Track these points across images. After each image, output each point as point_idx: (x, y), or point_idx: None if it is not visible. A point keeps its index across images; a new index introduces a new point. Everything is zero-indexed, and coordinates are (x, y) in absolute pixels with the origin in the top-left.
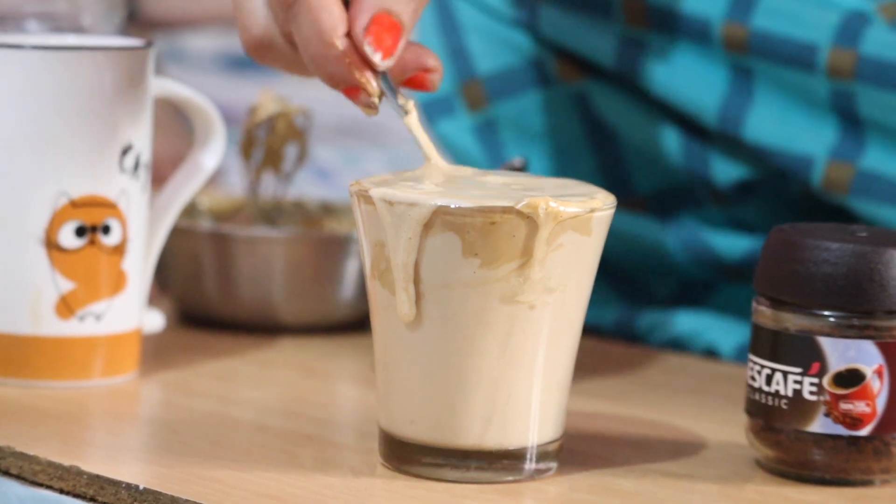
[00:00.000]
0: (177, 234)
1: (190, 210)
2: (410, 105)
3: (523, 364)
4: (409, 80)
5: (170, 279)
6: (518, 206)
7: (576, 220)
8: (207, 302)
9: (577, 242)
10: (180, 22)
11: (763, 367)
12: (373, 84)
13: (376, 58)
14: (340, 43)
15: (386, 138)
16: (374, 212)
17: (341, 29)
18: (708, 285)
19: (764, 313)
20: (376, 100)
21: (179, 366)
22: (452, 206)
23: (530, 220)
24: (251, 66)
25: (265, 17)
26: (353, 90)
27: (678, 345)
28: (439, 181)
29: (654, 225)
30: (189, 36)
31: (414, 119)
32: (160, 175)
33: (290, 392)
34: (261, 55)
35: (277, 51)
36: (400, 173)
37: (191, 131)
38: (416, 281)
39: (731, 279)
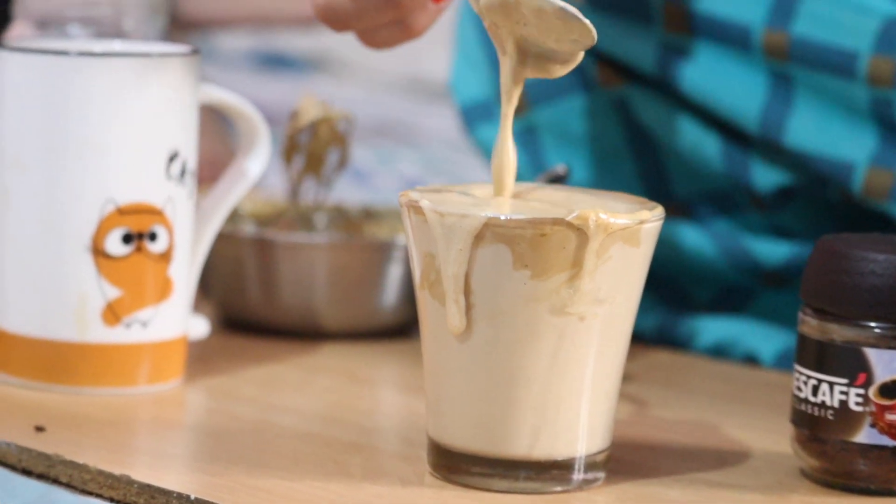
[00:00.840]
0: (220, 239)
1: (232, 215)
2: None
3: (572, 375)
4: None
5: (212, 284)
6: (568, 218)
7: (625, 231)
8: (250, 307)
9: (626, 254)
10: (217, 22)
11: (809, 377)
12: None
13: None
14: None
15: (420, 138)
16: (425, 223)
17: None
18: (748, 291)
19: (810, 324)
20: None
21: (223, 372)
22: (503, 217)
23: (580, 232)
24: (284, 64)
25: None
26: None
27: (719, 351)
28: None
29: (695, 230)
30: (222, 34)
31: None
32: (199, 177)
33: (334, 399)
34: (330, 19)
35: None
36: (449, 186)
37: (227, 132)
38: (467, 292)
39: (771, 285)
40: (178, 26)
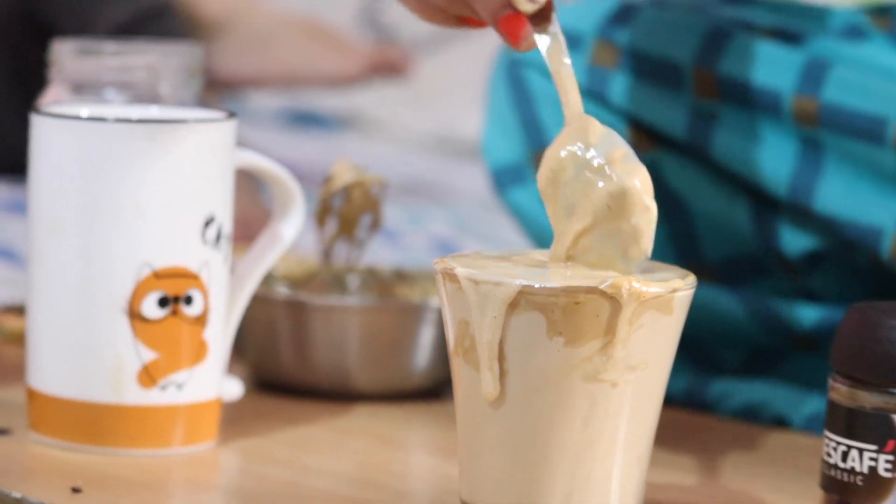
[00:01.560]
0: (253, 301)
1: (265, 276)
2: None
3: (604, 440)
4: None
5: (246, 346)
6: (602, 287)
7: (657, 300)
8: (283, 369)
9: (658, 322)
10: (248, 82)
11: (839, 443)
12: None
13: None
14: None
15: (448, 197)
16: (460, 290)
17: None
18: (777, 354)
19: (840, 390)
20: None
21: (256, 433)
22: (537, 286)
23: (613, 301)
24: (314, 122)
25: None
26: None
27: (748, 414)
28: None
29: (724, 294)
30: (252, 91)
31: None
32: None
33: (367, 461)
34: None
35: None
36: (482, 252)
37: (259, 192)
38: (501, 359)
39: (800, 349)
40: (209, 86)
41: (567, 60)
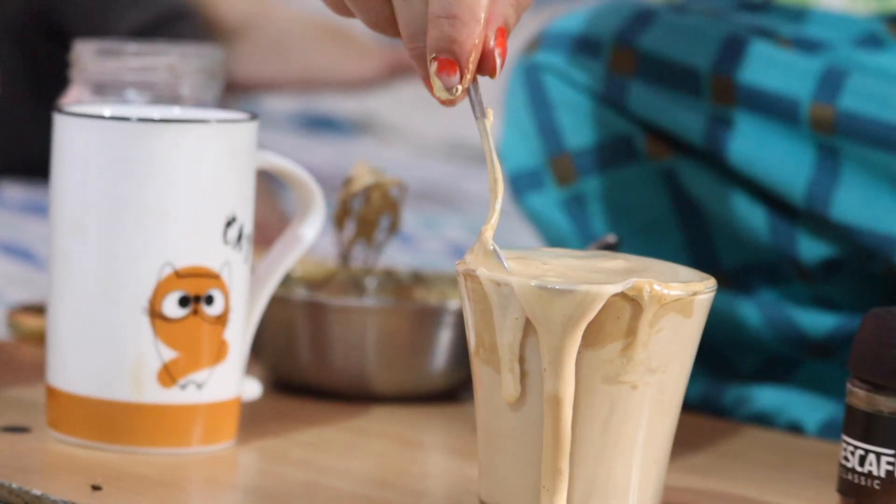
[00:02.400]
0: (271, 302)
1: (283, 278)
2: (489, 112)
3: (624, 442)
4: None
5: (264, 347)
6: (623, 289)
7: (678, 302)
8: (301, 370)
9: (679, 325)
10: (266, 85)
11: (856, 447)
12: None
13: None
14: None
15: (463, 203)
16: (481, 291)
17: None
18: (793, 361)
19: (858, 395)
20: (460, 87)
21: (275, 434)
22: (558, 287)
23: (635, 303)
24: (329, 127)
25: None
26: (450, 66)
27: (763, 420)
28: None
29: (740, 301)
30: (268, 97)
31: (489, 124)
32: None
33: (385, 462)
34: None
35: None
36: (505, 251)
37: (277, 195)
38: (522, 361)
39: (816, 356)
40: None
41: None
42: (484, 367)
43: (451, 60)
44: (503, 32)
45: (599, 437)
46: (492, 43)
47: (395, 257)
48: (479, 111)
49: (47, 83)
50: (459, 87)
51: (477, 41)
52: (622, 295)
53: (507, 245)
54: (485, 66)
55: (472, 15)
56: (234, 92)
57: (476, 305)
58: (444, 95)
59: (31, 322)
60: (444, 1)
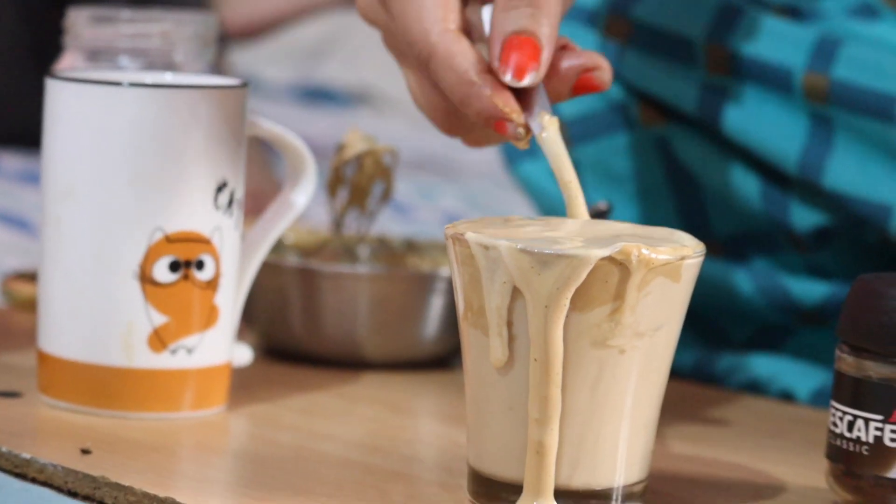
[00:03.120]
0: (263, 268)
1: (276, 245)
2: (549, 121)
3: (612, 406)
4: (577, 86)
5: (256, 313)
6: (611, 253)
7: (666, 266)
8: (292, 336)
9: (667, 289)
10: (258, 26)
11: (845, 413)
12: (515, 109)
13: (507, 78)
14: (478, 78)
15: (461, 173)
16: (469, 255)
17: (477, 66)
18: (785, 329)
19: (846, 361)
20: (521, 130)
21: (266, 399)
22: (546, 251)
23: (623, 267)
24: (326, 98)
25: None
26: (500, 124)
27: (755, 388)
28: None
29: (733, 269)
30: (265, 66)
31: (551, 136)
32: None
33: (375, 428)
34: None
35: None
36: (494, 218)
37: (271, 164)
38: (510, 324)
39: (808, 324)
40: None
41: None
42: (472, 330)
43: (533, 42)
44: (510, 44)
45: (587, 401)
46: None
47: (391, 227)
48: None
49: (48, 52)
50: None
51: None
52: (610, 259)
53: (501, 214)
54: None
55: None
56: (227, 44)
57: (464, 269)
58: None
59: (24, 289)
60: None
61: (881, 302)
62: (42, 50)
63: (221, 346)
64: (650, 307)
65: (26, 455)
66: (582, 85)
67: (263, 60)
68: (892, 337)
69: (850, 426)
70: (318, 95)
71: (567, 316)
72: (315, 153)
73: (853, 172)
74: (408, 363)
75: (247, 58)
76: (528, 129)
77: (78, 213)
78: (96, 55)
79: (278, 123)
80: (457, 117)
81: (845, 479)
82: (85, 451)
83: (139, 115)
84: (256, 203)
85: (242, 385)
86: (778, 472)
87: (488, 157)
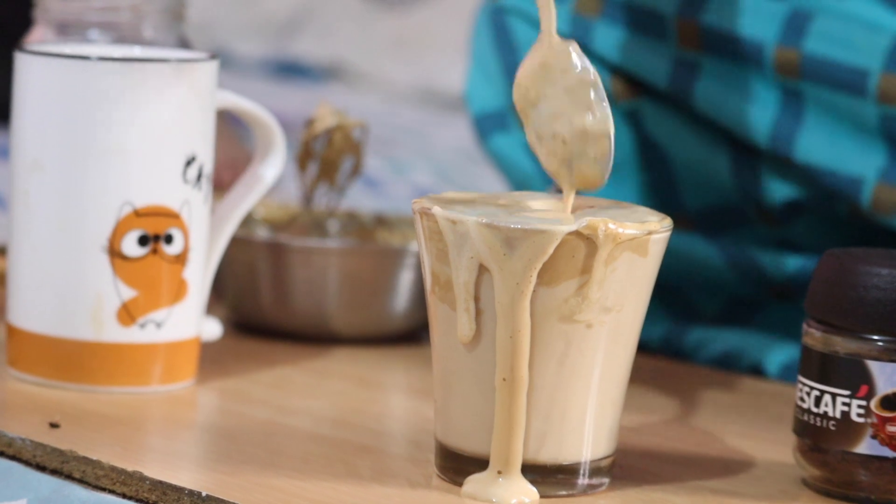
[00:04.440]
0: (233, 243)
1: (246, 219)
2: None
3: (579, 381)
4: None
5: (225, 288)
6: (578, 228)
7: (633, 241)
8: (262, 311)
9: (634, 263)
10: None
11: (812, 388)
12: None
13: None
14: None
15: (433, 148)
16: (437, 230)
17: None
18: (755, 304)
19: (814, 336)
20: None
21: (235, 374)
22: (512, 226)
23: (589, 241)
24: (299, 73)
25: None
26: None
27: (724, 362)
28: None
29: (703, 243)
30: (237, 41)
31: None
32: (216, 181)
33: (344, 402)
34: None
35: None
36: (462, 193)
37: (245, 137)
38: (476, 300)
39: (778, 298)
40: None
41: None
42: (440, 304)
43: None
44: None
45: (554, 375)
46: None
47: (362, 201)
48: None
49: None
50: None
51: None
52: (577, 234)
53: (473, 189)
54: None
55: None
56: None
57: (431, 244)
58: None
59: None
60: None
61: (849, 277)
62: (11, 24)
63: (190, 320)
64: (617, 282)
65: None
66: None
67: (235, 35)
68: (860, 312)
69: (818, 401)
70: (290, 70)
71: (534, 291)
72: (288, 128)
73: (824, 146)
74: (377, 338)
75: (218, 33)
76: None
77: (46, 187)
78: (66, 29)
79: (251, 98)
80: None
81: (812, 455)
82: (53, 425)
83: (108, 89)
84: (234, 175)
85: (211, 359)
86: (745, 446)
87: (461, 133)
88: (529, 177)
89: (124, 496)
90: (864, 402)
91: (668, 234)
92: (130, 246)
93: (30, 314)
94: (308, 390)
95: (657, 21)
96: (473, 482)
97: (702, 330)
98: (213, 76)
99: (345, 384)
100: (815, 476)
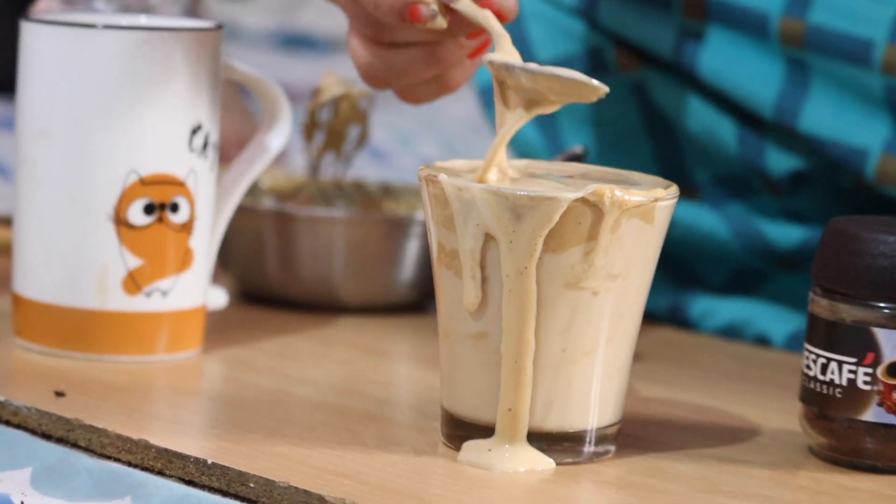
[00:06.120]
0: (239, 212)
1: (252, 189)
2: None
3: (585, 349)
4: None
5: (231, 257)
6: (584, 195)
7: (640, 208)
8: (268, 280)
9: (640, 230)
10: None
11: (818, 356)
12: None
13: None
14: None
15: (439, 120)
16: (443, 197)
17: None
18: (761, 274)
19: (820, 303)
20: (435, 7)
21: (241, 343)
22: (519, 193)
23: (596, 209)
24: (306, 44)
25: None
26: (414, 10)
27: (730, 332)
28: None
29: (709, 213)
30: (245, 13)
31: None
32: (225, 155)
33: (350, 371)
34: (372, 77)
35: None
36: (469, 161)
37: (255, 112)
38: (482, 267)
39: (783, 268)
40: None
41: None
42: (446, 272)
43: None
44: None
45: (560, 343)
46: None
47: (369, 172)
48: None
49: None
50: None
51: None
52: (583, 200)
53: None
54: None
55: None
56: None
57: (437, 211)
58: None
59: (2, 234)
60: None
61: (854, 244)
62: None
63: (196, 289)
64: (623, 249)
65: (0, 398)
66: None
67: (242, 8)
68: (866, 280)
69: (824, 369)
70: (297, 42)
71: (540, 258)
72: (294, 100)
73: (829, 116)
74: (383, 307)
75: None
76: (442, 6)
77: (52, 156)
78: None
79: (258, 70)
80: (386, 61)
81: (818, 422)
82: (59, 394)
83: (114, 58)
84: (241, 148)
85: (217, 328)
86: (752, 414)
87: (467, 104)
88: (535, 146)
89: (130, 464)
90: (870, 370)
91: (674, 201)
92: (136, 214)
93: (36, 283)
94: (314, 359)
95: None
96: (470, 449)
97: (708, 300)
98: (219, 45)
99: (350, 353)
100: (821, 444)
